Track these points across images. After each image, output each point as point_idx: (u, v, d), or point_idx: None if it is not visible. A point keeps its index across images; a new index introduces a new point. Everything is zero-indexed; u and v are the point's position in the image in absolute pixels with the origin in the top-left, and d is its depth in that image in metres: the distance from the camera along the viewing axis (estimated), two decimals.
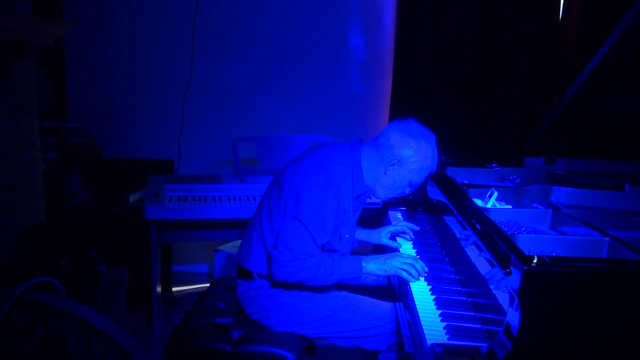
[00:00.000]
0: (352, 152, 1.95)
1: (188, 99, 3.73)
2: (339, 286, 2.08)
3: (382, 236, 2.19)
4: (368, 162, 1.94)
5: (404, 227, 2.19)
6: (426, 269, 1.83)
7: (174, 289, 3.61)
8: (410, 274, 1.81)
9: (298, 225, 1.83)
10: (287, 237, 1.83)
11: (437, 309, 1.59)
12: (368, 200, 2.80)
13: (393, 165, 1.90)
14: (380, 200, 2.10)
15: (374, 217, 2.74)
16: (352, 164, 1.93)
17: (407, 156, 1.88)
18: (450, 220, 2.08)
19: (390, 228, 2.21)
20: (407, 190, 1.99)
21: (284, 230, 1.84)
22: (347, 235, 2.00)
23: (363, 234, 2.24)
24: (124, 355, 1.70)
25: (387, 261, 1.86)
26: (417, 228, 2.20)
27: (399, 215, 2.52)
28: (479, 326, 1.48)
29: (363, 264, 1.86)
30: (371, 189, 1.98)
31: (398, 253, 1.96)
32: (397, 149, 1.89)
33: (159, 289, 2.93)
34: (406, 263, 1.83)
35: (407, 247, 2.15)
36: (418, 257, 1.93)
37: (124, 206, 3.28)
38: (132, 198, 3.32)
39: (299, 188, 1.88)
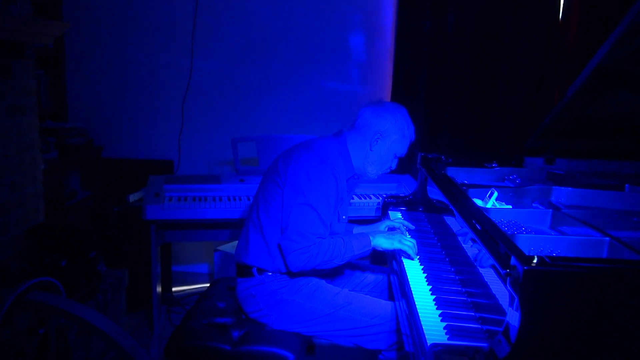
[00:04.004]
0: (337, 140, 2.06)
1: (188, 99, 3.73)
2: (338, 276, 2.13)
3: (380, 228, 2.24)
4: (353, 145, 2.05)
5: (400, 225, 2.22)
6: (416, 251, 1.99)
7: (174, 289, 3.61)
8: (411, 249, 1.96)
9: (306, 210, 1.88)
10: (298, 224, 1.87)
11: (437, 309, 1.59)
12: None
13: (377, 140, 2.02)
14: (372, 180, 2.19)
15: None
16: (340, 149, 2.03)
17: (387, 128, 2.01)
18: (450, 220, 2.08)
19: (388, 222, 2.27)
20: (394, 164, 2.11)
21: (293, 219, 1.88)
22: (344, 216, 2.08)
23: (361, 230, 2.28)
24: (124, 355, 1.69)
25: (394, 236, 1.99)
26: (412, 227, 2.26)
27: (399, 215, 2.52)
28: (479, 326, 1.48)
29: (370, 238, 1.96)
30: (361, 170, 2.08)
31: (400, 231, 2.12)
32: (376, 124, 2.02)
33: (159, 289, 2.93)
34: (409, 241, 1.99)
35: None
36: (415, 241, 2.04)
37: (124, 206, 3.28)
38: (132, 198, 3.31)
39: (296, 175, 1.93)
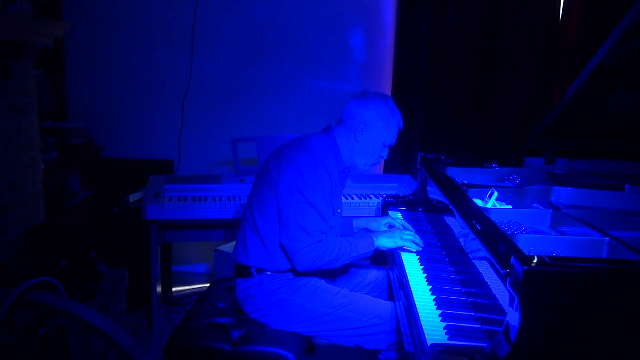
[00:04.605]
0: (326, 135, 2.07)
1: (188, 99, 3.73)
2: (338, 276, 2.14)
3: (381, 224, 2.26)
4: (341, 138, 2.06)
5: (400, 227, 2.22)
6: (421, 244, 2.04)
7: (174, 289, 3.61)
8: (415, 243, 2.03)
9: (305, 208, 1.89)
10: (299, 222, 1.88)
11: (437, 309, 1.59)
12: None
13: (361, 130, 2.02)
14: (365, 171, 2.20)
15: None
16: (329, 144, 2.04)
17: (370, 117, 2.01)
18: (450, 220, 2.08)
19: (389, 219, 2.28)
20: (385, 154, 2.10)
21: (293, 218, 1.89)
22: (339, 210, 2.09)
23: (361, 221, 2.32)
24: (124, 355, 1.69)
25: (395, 233, 2.03)
26: (412, 230, 2.22)
27: (399, 215, 2.52)
28: (479, 326, 1.49)
29: (374, 238, 1.99)
30: (350, 162, 2.09)
31: (399, 228, 2.14)
32: (359, 114, 2.02)
33: (159, 289, 2.93)
34: (412, 235, 2.04)
35: None
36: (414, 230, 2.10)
37: (124, 206, 3.28)
38: (132, 198, 3.32)
39: (288, 174, 1.93)
